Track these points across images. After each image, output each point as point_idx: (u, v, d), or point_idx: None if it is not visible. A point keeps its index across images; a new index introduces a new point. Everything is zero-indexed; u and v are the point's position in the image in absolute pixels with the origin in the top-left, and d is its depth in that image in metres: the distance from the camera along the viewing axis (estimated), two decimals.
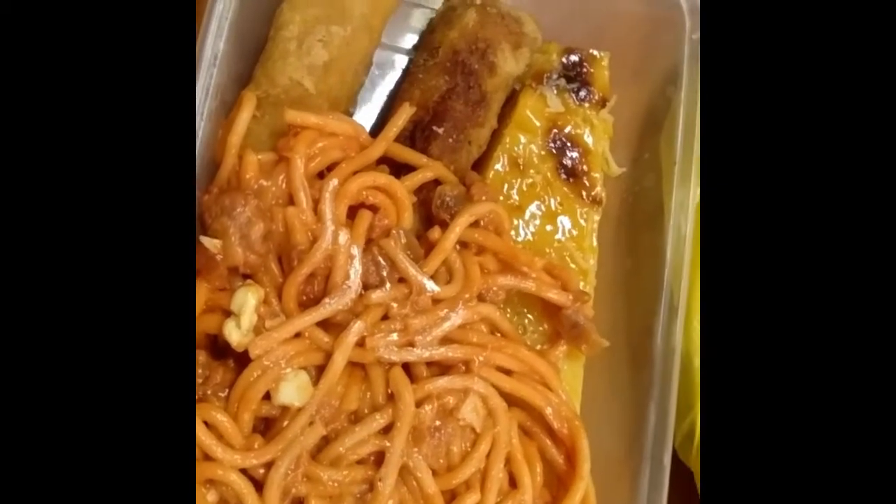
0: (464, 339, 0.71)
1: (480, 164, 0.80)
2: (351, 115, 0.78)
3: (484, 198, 0.74)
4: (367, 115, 0.82)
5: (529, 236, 0.79)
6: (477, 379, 0.70)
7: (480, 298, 0.73)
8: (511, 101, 0.82)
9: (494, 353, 0.72)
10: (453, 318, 0.71)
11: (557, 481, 0.75)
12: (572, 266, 0.80)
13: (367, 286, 0.70)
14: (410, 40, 0.84)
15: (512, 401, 0.73)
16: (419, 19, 0.85)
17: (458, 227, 0.72)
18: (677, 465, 0.81)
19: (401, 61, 0.84)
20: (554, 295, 0.75)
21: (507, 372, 0.73)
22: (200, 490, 0.65)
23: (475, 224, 0.74)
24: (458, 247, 0.73)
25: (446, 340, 0.71)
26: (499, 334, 0.74)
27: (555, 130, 0.81)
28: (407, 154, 0.75)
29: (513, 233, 0.79)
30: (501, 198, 0.78)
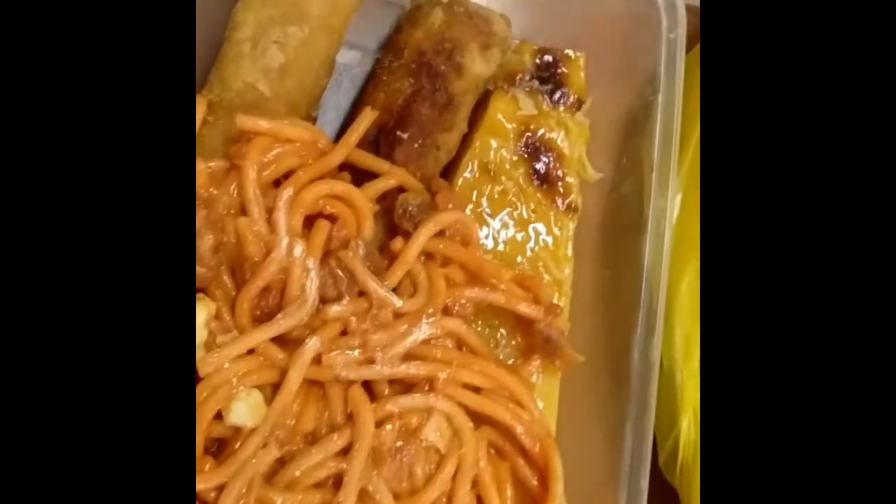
0: (428, 356, 0.68)
1: (450, 171, 0.76)
2: (314, 119, 0.75)
3: (450, 206, 0.71)
4: (333, 119, 0.78)
5: (501, 246, 0.76)
6: (441, 397, 0.67)
7: (447, 312, 0.70)
8: (482, 103, 0.78)
9: (461, 370, 0.68)
10: (416, 333, 0.67)
11: (531, 502, 0.71)
12: (546, 277, 0.76)
13: (324, 300, 0.66)
14: (380, 41, 0.80)
15: (482, 419, 0.70)
16: (390, 18, 0.81)
17: (422, 237, 0.69)
18: (662, 483, 0.77)
19: (370, 63, 0.80)
20: (524, 308, 0.72)
21: (476, 389, 0.69)
22: None
23: (441, 234, 0.70)
24: (422, 258, 0.70)
25: (409, 357, 0.67)
26: (466, 350, 0.70)
27: (528, 134, 0.77)
28: (369, 160, 0.71)
29: (485, 242, 0.75)
30: (471, 205, 0.75)
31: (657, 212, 0.76)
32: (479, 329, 0.73)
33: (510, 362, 0.74)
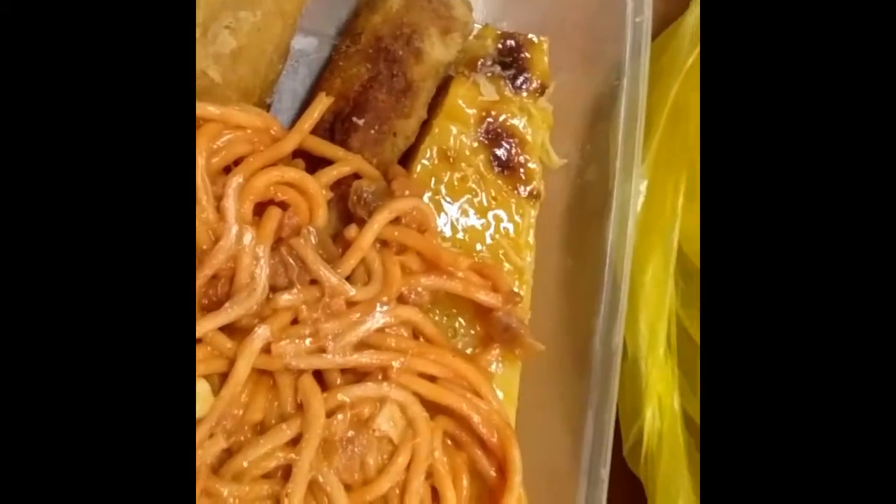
0: (381, 345, 0.67)
1: (409, 157, 0.75)
2: (268, 106, 0.73)
3: (406, 192, 0.69)
4: (289, 106, 0.77)
5: (460, 234, 0.74)
6: (394, 386, 0.66)
7: (403, 300, 0.69)
8: (443, 89, 0.77)
9: (416, 359, 0.67)
10: (370, 321, 0.66)
11: (490, 494, 0.70)
12: (507, 265, 0.75)
13: (275, 289, 0.65)
14: (338, 27, 0.79)
15: (439, 409, 0.69)
16: (348, 4, 0.79)
17: (376, 224, 0.67)
18: (627, 473, 0.76)
19: (328, 49, 0.78)
20: (483, 296, 0.70)
21: (432, 379, 0.68)
22: None
23: (397, 221, 0.69)
24: (377, 246, 0.69)
25: (363, 346, 0.66)
26: (423, 339, 0.69)
27: (489, 120, 0.76)
28: (324, 147, 0.70)
29: (444, 230, 0.74)
30: (430, 193, 0.74)
31: (621, 198, 0.75)
32: (436, 318, 0.72)
33: (469, 352, 0.72)
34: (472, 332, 0.73)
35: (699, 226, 0.73)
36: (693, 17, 0.78)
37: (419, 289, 0.69)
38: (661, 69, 0.79)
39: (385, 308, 0.67)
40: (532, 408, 0.75)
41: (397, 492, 0.66)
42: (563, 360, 0.75)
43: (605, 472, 0.70)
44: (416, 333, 0.69)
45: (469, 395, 0.69)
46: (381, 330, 0.67)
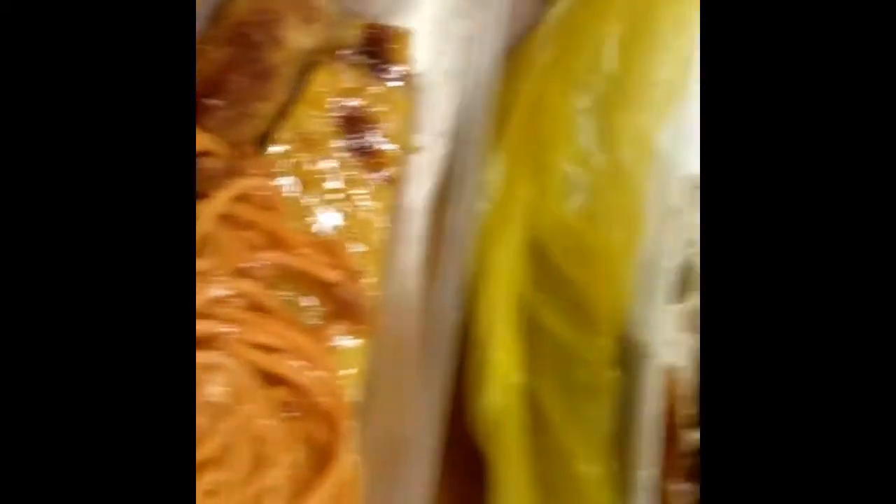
0: (218, 315, 0.70)
1: (266, 140, 0.78)
2: None
3: (255, 172, 0.73)
4: None
5: (314, 216, 0.77)
6: (227, 355, 0.69)
7: (245, 275, 0.72)
8: (305, 75, 0.80)
9: (252, 330, 0.70)
10: (207, 292, 0.70)
11: (324, 463, 0.73)
12: (362, 247, 0.78)
13: None
14: (209, 11, 0.82)
15: (276, 380, 0.72)
16: None
17: (219, 200, 0.71)
18: (469, 446, 0.79)
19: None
20: (325, 272, 0.74)
21: (270, 350, 0.71)
22: None
23: (245, 199, 0.72)
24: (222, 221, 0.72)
25: (200, 316, 0.69)
26: (263, 312, 0.73)
27: (349, 107, 0.79)
28: None
29: (298, 211, 0.77)
30: (285, 175, 0.77)
31: (474, 184, 0.78)
32: (284, 295, 0.75)
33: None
34: (320, 309, 0.76)
35: (552, 211, 0.77)
36: (548, 19, 0.82)
37: (261, 263, 0.72)
38: (520, 68, 0.82)
39: (223, 279, 0.70)
40: (382, 382, 0.78)
41: (224, 456, 0.69)
42: (411, 336, 0.78)
43: (430, 441, 0.73)
44: (256, 307, 0.72)
45: (306, 367, 0.72)
46: (219, 301, 0.70)
